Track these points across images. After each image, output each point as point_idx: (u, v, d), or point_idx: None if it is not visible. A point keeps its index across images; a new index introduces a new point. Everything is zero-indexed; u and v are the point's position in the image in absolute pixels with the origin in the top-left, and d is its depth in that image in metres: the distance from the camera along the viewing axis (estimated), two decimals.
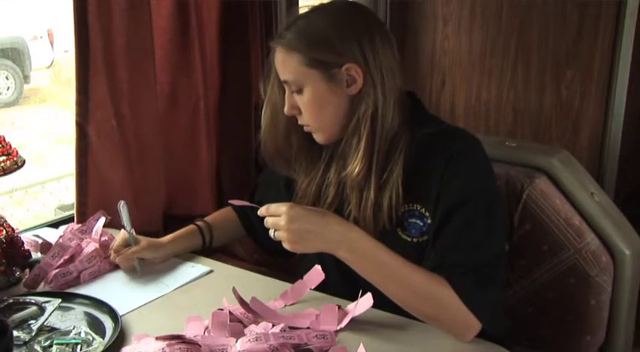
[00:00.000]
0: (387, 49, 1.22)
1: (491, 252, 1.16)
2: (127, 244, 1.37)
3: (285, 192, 1.41)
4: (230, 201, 1.29)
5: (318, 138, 1.28)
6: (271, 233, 1.14)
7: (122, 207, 1.36)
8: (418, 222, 1.21)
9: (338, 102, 1.23)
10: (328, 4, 1.28)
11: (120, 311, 1.16)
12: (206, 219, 1.50)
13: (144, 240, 1.38)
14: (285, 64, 1.23)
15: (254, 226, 1.49)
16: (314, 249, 1.14)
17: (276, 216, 1.13)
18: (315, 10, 1.26)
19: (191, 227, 1.47)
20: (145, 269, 1.36)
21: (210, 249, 1.49)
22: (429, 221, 1.20)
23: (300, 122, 1.28)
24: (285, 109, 1.27)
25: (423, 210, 1.20)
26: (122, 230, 1.38)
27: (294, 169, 1.36)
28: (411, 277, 1.13)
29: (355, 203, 1.23)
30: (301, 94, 1.23)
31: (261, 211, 1.15)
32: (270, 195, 1.41)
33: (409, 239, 1.22)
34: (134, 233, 1.37)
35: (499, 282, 1.19)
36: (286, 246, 1.12)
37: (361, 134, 1.20)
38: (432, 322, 1.14)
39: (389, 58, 1.22)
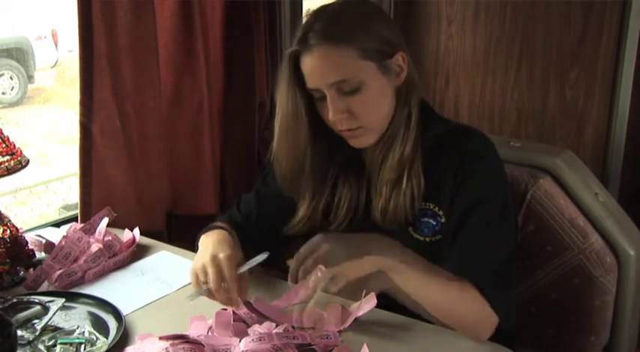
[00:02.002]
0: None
1: (506, 252, 1.16)
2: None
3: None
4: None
5: (369, 140, 1.17)
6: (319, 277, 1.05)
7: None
8: (431, 221, 1.19)
9: (391, 95, 1.17)
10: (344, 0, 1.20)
11: (124, 311, 1.17)
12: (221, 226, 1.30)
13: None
14: (334, 62, 1.10)
15: (246, 234, 1.32)
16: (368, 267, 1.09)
17: (313, 252, 1.07)
18: (338, 3, 1.19)
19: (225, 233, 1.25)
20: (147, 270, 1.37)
21: None
22: (442, 220, 1.18)
23: (347, 126, 1.14)
24: (331, 116, 1.12)
25: (436, 210, 1.19)
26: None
27: (300, 191, 1.26)
28: (443, 281, 1.12)
29: (386, 192, 1.17)
30: (358, 93, 1.12)
31: (298, 259, 1.09)
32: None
33: (422, 238, 1.20)
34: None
35: (513, 281, 1.19)
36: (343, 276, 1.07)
37: (411, 124, 1.16)
38: (458, 324, 1.12)
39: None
